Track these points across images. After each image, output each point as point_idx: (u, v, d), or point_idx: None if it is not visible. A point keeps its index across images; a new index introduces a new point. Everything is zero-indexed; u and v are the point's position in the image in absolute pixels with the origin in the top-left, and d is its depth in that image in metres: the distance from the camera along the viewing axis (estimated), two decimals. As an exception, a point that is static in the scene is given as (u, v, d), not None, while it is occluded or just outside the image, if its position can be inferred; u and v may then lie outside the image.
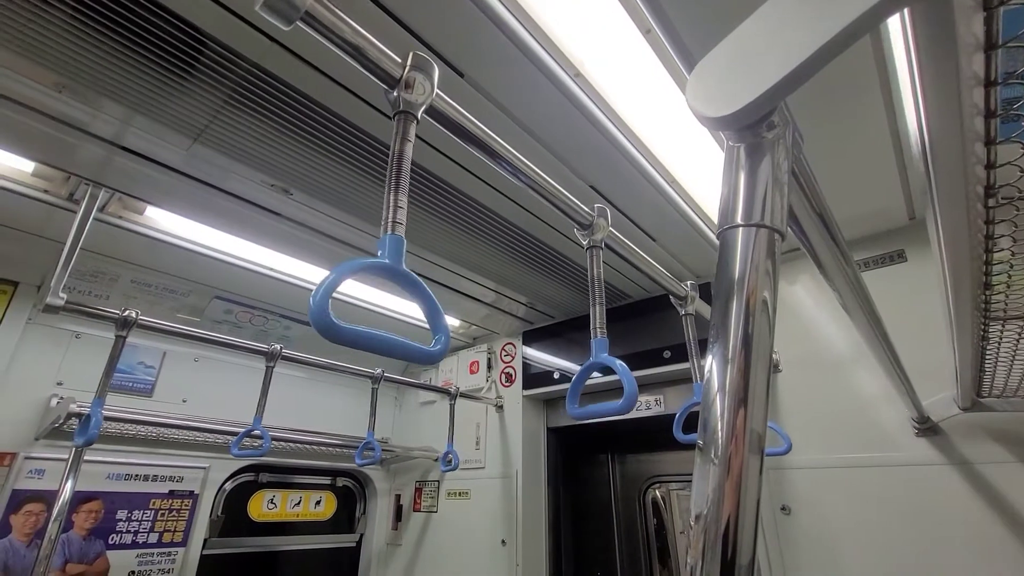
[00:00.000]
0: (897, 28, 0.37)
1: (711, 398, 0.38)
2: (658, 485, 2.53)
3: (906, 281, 1.70)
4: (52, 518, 1.48)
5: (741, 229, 0.38)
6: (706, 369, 0.39)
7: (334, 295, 0.49)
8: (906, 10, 0.33)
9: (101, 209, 1.62)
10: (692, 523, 0.36)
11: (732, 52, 0.36)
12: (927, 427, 1.51)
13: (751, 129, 0.38)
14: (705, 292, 2.05)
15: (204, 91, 1.20)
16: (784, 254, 1.93)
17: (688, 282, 1.31)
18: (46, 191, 1.58)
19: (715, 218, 1.76)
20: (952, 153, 0.43)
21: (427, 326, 0.59)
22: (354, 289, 2.33)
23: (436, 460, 2.69)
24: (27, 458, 1.89)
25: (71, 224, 1.51)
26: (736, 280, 0.39)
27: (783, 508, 1.68)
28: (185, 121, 1.29)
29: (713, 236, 1.81)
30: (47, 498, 1.90)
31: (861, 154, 1.40)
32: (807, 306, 1.88)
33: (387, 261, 0.56)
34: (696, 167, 1.52)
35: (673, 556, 2.38)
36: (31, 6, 1.00)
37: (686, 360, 1.35)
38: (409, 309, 2.52)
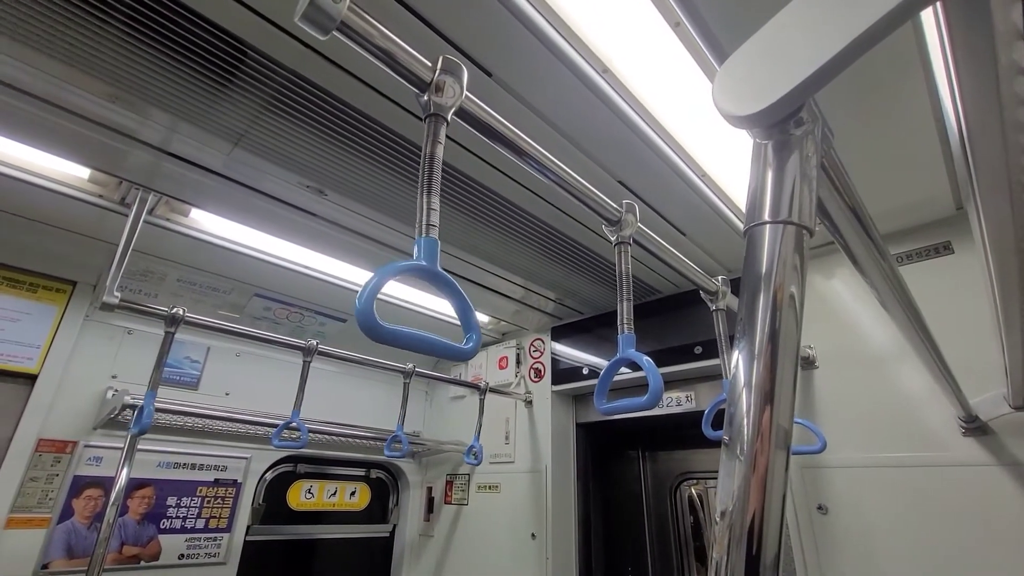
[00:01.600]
0: (931, 18, 0.37)
1: (737, 394, 0.38)
2: (692, 482, 2.50)
3: (953, 274, 1.63)
4: (110, 502, 1.58)
5: (768, 226, 0.38)
6: (732, 365, 0.40)
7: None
8: (939, 2, 0.32)
9: (150, 212, 1.71)
10: (717, 519, 0.36)
11: (759, 49, 0.36)
12: (975, 426, 1.45)
13: (779, 126, 0.38)
14: (736, 287, 2.01)
15: (244, 98, 1.26)
16: (821, 247, 1.87)
17: (719, 277, 1.29)
18: (100, 195, 1.68)
19: (747, 211, 1.72)
20: (993, 144, 0.42)
21: (453, 321, 0.62)
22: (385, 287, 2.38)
23: (464, 454, 2.74)
24: (86, 446, 2.02)
25: (123, 226, 1.59)
26: (763, 277, 0.39)
27: (819, 507, 1.64)
28: (227, 127, 1.35)
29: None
30: (104, 484, 2.02)
31: (903, 141, 1.35)
32: (845, 300, 1.82)
33: (424, 263, 0.58)
34: (727, 160, 1.49)
35: (711, 555, 2.35)
36: (88, 23, 1.07)
37: (717, 356, 1.33)
38: (436, 305, 2.56)
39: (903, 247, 1.72)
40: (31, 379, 1.95)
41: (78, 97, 1.27)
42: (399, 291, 2.42)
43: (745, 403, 0.37)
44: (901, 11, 0.31)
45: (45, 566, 1.86)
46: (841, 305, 1.82)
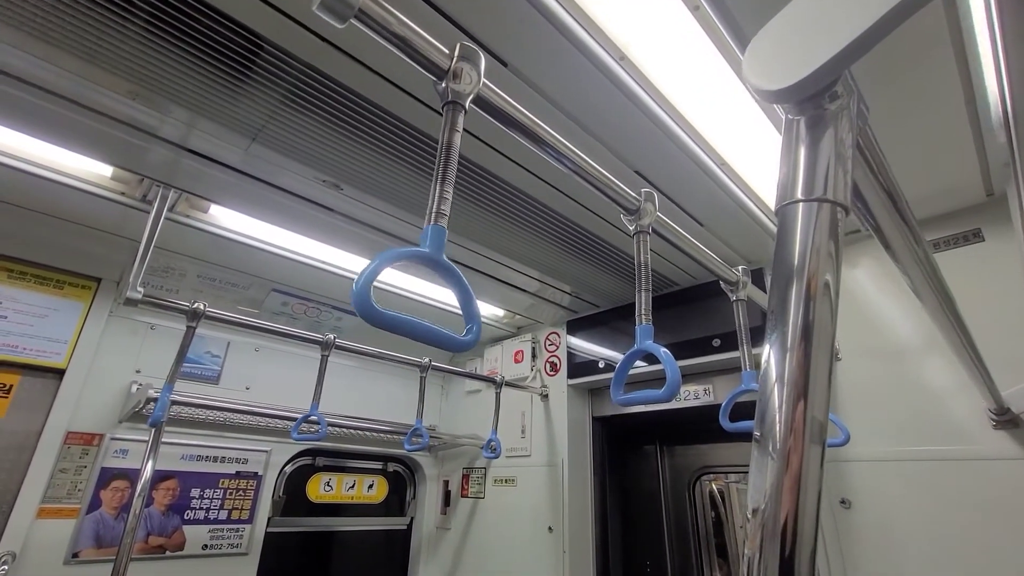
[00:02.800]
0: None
1: (769, 389, 0.36)
2: (712, 477, 2.48)
3: (983, 262, 1.58)
4: (136, 493, 1.61)
5: (801, 204, 0.37)
6: (763, 358, 0.38)
7: (381, 286, 0.51)
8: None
9: (171, 209, 1.74)
10: (749, 516, 0.35)
11: (792, 21, 0.35)
12: (1007, 419, 1.41)
13: (812, 101, 0.37)
14: (757, 277, 1.98)
15: (261, 93, 1.27)
16: (845, 235, 1.83)
17: (739, 267, 1.27)
18: (123, 193, 1.71)
19: (768, 201, 1.69)
20: (1039, 119, 0.40)
21: (460, 314, 0.61)
22: (399, 279, 2.39)
23: (482, 448, 2.75)
24: (112, 439, 2.07)
25: (145, 223, 1.62)
26: (796, 261, 0.37)
27: (843, 501, 1.61)
28: (244, 122, 1.37)
29: (766, 219, 1.74)
30: (130, 475, 2.07)
31: (931, 125, 1.31)
32: (869, 291, 1.78)
33: (427, 250, 0.58)
34: (748, 148, 1.46)
35: (732, 551, 2.33)
36: (110, 20, 1.08)
37: (735, 348, 1.31)
38: (450, 298, 2.56)
39: (932, 234, 1.67)
40: (59, 373, 2.00)
41: (100, 95, 1.29)
42: (410, 283, 2.42)
43: (777, 398, 0.36)
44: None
45: (75, 555, 1.91)
46: (864, 296, 1.78)
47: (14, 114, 1.37)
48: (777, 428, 0.35)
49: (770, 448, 0.35)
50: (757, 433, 0.37)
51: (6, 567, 1.73)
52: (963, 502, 1.43)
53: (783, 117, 0.39)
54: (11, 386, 1.92)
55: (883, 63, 1.13)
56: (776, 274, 0.39)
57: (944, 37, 1.04)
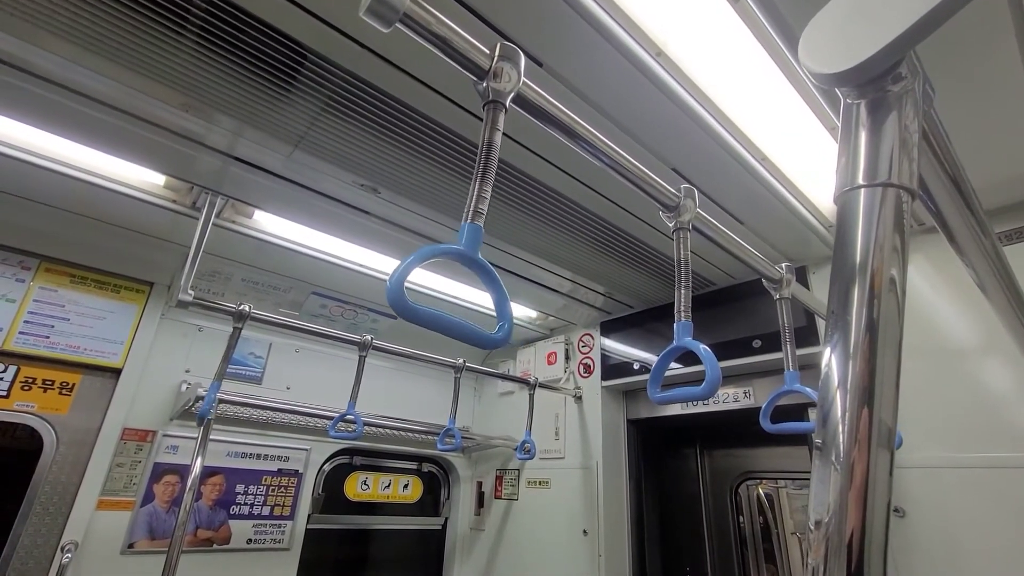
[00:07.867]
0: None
1: (831, 394, 0.34)
2: (756, 481, 2.40)
3: (1054, 258, 1.48)
4: (187, 488, 1.68)
5: (864, 191, 0.35)
6: (824, 361, 0.36)
7: (414, 287, 0.52)
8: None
9: (218, 215, 1.81)
10: (812, 527, 0.33)
11: (851, 1, 0.34)
12: (1079, 425, 1.31)
13: (874, 83, 0.35)
14: (800, 276, 1.92)
15: (304, 100, 1.31)
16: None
17: (783, 264, 1.23)
18: (174, 200, 1.80)
19: (812, 196, 1.63)
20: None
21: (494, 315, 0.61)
22: (435, 281, 2.41)
23: (516, 449, 2.74)
24: (164, 435, 2.17)
25: (194, 229, 1.70)
26: (859, 253, 0.35)
27: (896, 510, 1.54)
28: (288, 129, 1.41)
29: (809, 215, 1.68)
30: (180, 471, 2.17)
31: (999, 108, 1.23)
32: (923, 289, 1.69)
33: (462, 248, 0.58)
34: (791, 142, 1.41)
35: (782, 557, 2.26)
36: (163, 35, 1.14)
37: (778, 349, 1.27)
38: (484, 299, 2.57)
39: (1000, 226, 1.57)
40: (116, 373, 2.11)
41: (154, 107, 1.36)
42: (445, 285, 2.45)
43: (840, 404, 0.34)
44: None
45: (131, 545, 2.01)
46: (916, 293, 1.70)
47: (75, 127, 1.46)
48: (840, 436, 0.33)
49: (833, 457, 0.33)
50: (819, 440, 0.34)
51: (70, 555, 1.84)
52: (1031, 513, 1.34)
53: (841, 102, 0.37)
54: (73, 385, 2.04)
55: (946, 43, 1.07)
56: (837, 268, 0.37)
57: (1004, 9, 0.98)
